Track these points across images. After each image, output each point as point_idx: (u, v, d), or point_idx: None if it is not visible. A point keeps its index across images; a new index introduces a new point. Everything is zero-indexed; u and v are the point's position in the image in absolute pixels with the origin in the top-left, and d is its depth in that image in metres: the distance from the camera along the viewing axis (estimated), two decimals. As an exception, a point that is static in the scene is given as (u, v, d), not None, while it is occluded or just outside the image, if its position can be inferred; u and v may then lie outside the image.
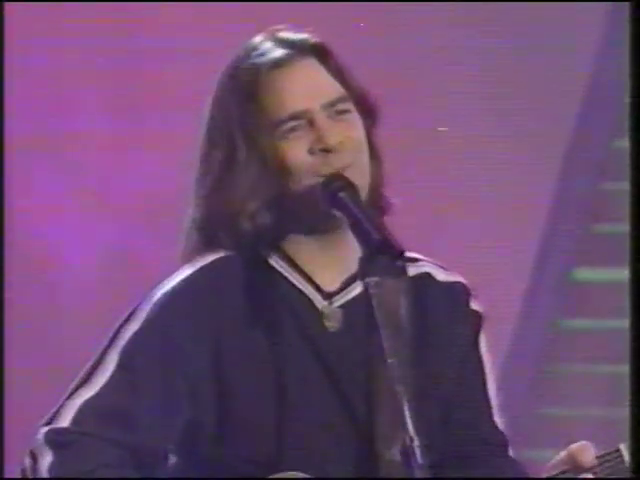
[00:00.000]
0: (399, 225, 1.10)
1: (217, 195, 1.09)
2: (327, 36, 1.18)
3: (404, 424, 0.89)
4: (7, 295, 2.43)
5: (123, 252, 2.88)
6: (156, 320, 1.05)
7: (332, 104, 1.09)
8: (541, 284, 3.23)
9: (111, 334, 1.05)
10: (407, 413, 0.90)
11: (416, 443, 0.87)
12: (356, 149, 1.09)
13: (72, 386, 1.03)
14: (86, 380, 1.02)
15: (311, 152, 1.07)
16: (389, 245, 0.98)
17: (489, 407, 1.16)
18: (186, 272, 1.09)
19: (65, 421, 0.99)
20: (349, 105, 1.11)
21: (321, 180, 1.06)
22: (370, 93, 1.17)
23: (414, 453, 0.87)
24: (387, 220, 1.12)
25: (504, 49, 3.13)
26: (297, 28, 1.17)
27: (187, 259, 1.12)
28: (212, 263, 1.09)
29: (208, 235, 1.11)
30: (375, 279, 0.98)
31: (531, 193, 3.18)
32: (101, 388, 1.01)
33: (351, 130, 1.09)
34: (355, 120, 1.11)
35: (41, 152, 2.84)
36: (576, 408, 3.19)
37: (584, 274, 3.26)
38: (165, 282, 1.09)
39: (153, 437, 1.00)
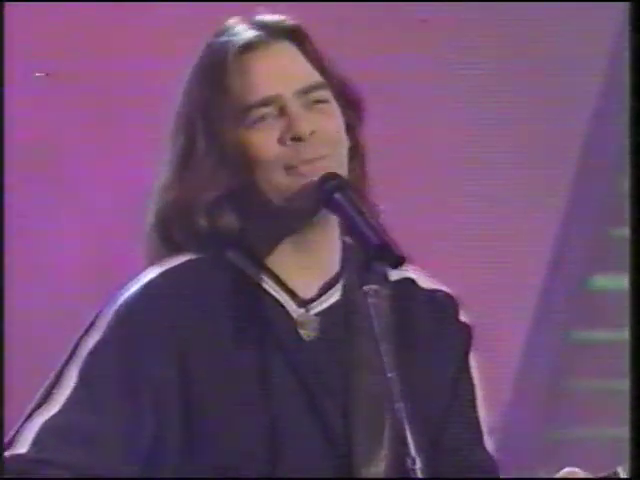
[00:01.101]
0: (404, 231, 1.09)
1: (171, 188, 1.08)
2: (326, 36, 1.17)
3: (387, 440, 0.89)
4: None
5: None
6: (116, 330, 1.04)
7: (306, 91, 1.07)
8: (554, 293, 3.23)
9: (70, 348, 1.05)
10: (408, 431, 0.90)
11: (418, 465, 0.87)
12: (331, 141, 1.07)
13: (31, 406, 1.02)
14: (45, 399, 1.01)
15: (281, 142, 1.05)
16: (390, 251, 0.97)
17: (480, 431, 1.14)
18: (147, 277, 1.08)
19: (24, 445, 0.97)
20: (326, 94, 1.09)
21: (288, 172, 1.05)
22: (353, 83, 1.15)
23: (415, 475, 0.87)
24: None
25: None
26: (275, 11, 1.15)
27: (149, 261, 1.11)
28: (176, 268, 1.08)
29: (164, 234, 1.10)
30: (374, 287, 0.98)
31: (543, 194, 3.19)
32: (62, 406, 1.00)
33: (327, 120, 1.08)
34: (332, 110, 1.09)
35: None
36: (592, 428, 3.15)
37: (601, 282, 3.24)
38: (125, 289, 1.08)
39: (117, 457, 0.99)
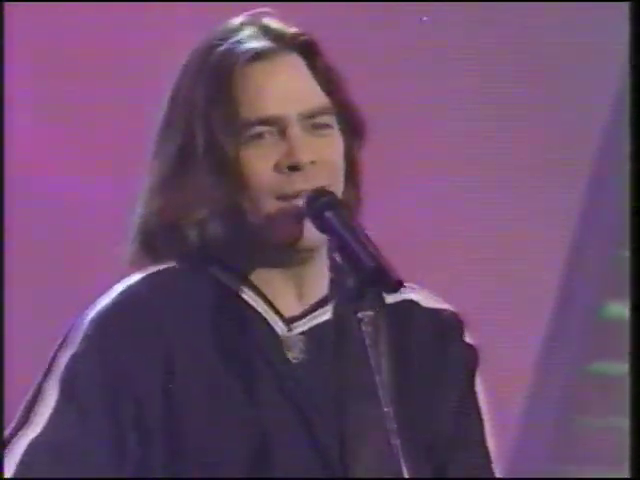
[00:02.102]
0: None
1: (160, 194, 1.07)
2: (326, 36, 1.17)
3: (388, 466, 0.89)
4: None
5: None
6: (94, 340, 1.04)
7: (311, 115, 1.06)
8: (565, 322, 3.23)
9: (47, 363, 1.05)
10: (404, 467, 0.89)
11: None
12: (329, 172, 1.07)
13: (10, 429, 1.02)
14: (27, 418, 1.01)
15: (276, 168, 1.04)
16: (386, 275, 0.96)
17: (489, 462, 1.14)
18: (127, 284, 1.08)
19: (10, 470, 0.98)
20: (330, 119, 1.09)
21: (279, 201, 1.04)
22: (359, 107, 1.14)
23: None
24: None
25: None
26: (285, 19, 1.14)
27: (128, 267, 1.11)
28: (158, 274, 1.08)
29: (148, 241, 1.09)
30: (369, 313, 0.97)
31: (553, 213, 3.21)
32: (46, 424, 1.00)
33: (328, 149, 1.07)
34: (334, 138, 1.09)
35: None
36: (609, 469, 3.14)
37: (616, 310, 3.23)
38: (102, 297, 1.08)
39: (105, 472, 1.00)
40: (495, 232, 3.21)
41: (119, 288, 1.08)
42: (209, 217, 1.06)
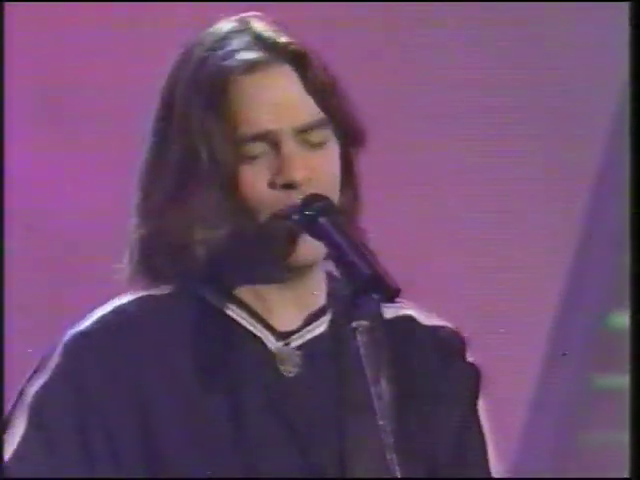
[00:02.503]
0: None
1: (166, 214, 1.06)
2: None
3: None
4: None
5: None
6: (67, 368, 1.03)
7: (305, 129, 1.05)
8: (569, 333, 3.23)
9: (20, 389, 1.04)
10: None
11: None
12: (325, 187, 1.06)
13: None
14: None
15: (271, 185, 1.03)
16: (382, 282, 0.95)
17: None
18: (105, 310, 1.07)
19: None
20: (326, 133, 1.07)
21: (277, 222, 1.03)
22: (357, 116, 1.12)
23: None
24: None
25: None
26: (276, 24, 1.12)
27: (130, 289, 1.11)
28: (140, 301, 1.08)
29: (148, 262, 1.08)
30: (365, 323, 0.95)
31: (557, 221, 3.21)
32: (12, 454, 0.99)
33: (324, 164, 1.07)
34: (331, 152, 1.08)
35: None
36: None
37: (622, 320, 3.23)
38: (80, 322, 1.07)
39: None
40: (496, 240, 3.21)
41: (97, 314, 1.08)
42: (214, 235, 1.05)
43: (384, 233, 1.15)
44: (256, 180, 1.03)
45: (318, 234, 1.01)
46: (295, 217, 1.02)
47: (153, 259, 1.07)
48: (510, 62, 3.25)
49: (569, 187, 3.23)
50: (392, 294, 0.95)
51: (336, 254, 1.00)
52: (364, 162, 1.18)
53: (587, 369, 3.24)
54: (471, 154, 3.20)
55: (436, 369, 1.11)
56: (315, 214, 1.01)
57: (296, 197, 1.02)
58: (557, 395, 3.19)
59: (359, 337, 0.94)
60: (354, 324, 0.95)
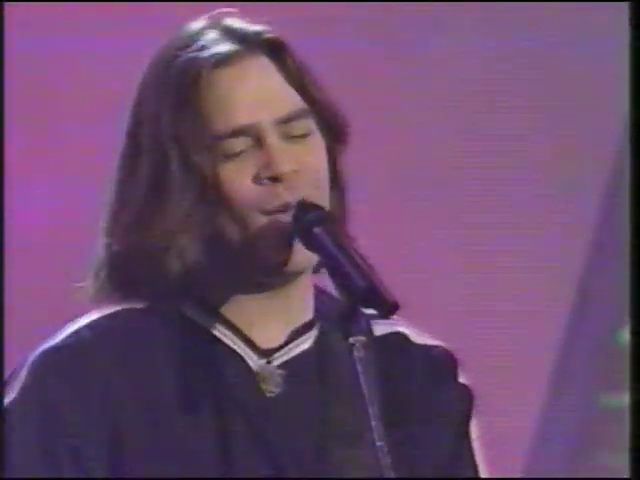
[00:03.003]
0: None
1: (139, 225, 1.02)
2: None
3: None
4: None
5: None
6: (34, 386, 1.00)
7: (288, 119, 1.01)
8: (576, 349, 3.20)
9: None
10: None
11: None
12: (314, 180, 1.02)
13: None
14: None
15: (256, 180, 0.99)
16: (379, 295, 0.92)
17: None
18: (76, 326, 1.04)
19: None
20: (309, 123, 1.04)
21: (264, 216, 0.99)
22: (339, 107, 1.09)
23: None
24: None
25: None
26: (249, 17, 1.08)
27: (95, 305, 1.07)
28: (112, 317, 1.04)
29: (119, 276, 1.04)
30: (362, 339, 0.92)
31: (565, 235, 3.20)
32: None
33: (309, 155, 1.03)
34: (315, 143, 1.04)
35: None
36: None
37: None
38: (50, 338, 1.04)
39: None
40: (502, 255, 3.20)
41: (67, 331, 1.05)
42: (190, 244, 1.00)
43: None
44: (239, 177, 0.99)
45: (313, 245, 0.97)
46: (285, 219, 0.99)
47: (124, 273, 1.03)
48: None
49: (578, 200, 3.21)
50: (390, 309, 0.92)
51: (331, 265, 0.96)
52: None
53: (595, 387, 3.20)
54: (469, 168, 3.20)
55: (427, 389, 1.08)
56: (310, 224, 0.97)
57: (283, 191, 0.99)
58: (564, 415, 3.16)
59: (356, 353, 0.91)
60: (352, 340, 0.92)
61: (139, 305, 1.05)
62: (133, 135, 1.04)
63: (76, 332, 1.04)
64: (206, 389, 1.01)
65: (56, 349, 1.03)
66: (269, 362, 1.03)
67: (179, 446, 0.99)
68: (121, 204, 1.04)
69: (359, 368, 0.90)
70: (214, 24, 1.07)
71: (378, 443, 0.88)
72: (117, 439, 0.98)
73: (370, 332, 0.96)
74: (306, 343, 1.05)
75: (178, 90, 1.02)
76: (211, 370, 1.02)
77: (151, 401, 1.00)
